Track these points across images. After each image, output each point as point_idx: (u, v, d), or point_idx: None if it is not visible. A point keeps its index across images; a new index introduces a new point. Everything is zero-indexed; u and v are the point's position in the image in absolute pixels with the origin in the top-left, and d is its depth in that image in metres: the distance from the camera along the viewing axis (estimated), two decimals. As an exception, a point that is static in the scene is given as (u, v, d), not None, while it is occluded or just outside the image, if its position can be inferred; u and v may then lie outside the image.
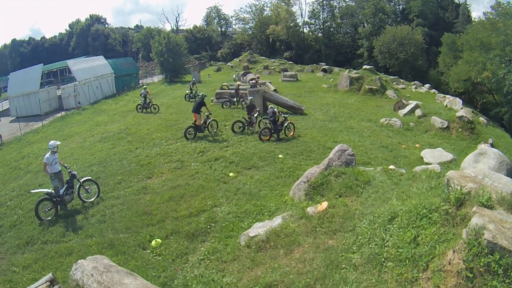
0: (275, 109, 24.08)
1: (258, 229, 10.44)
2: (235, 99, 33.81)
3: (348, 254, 7.91)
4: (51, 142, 15.79)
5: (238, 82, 37.79)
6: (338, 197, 11.06)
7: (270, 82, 44.81)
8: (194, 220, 13.16)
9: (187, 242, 11.95)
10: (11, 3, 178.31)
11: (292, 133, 24.05)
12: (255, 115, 24.91)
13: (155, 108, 34.74)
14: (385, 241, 7.52)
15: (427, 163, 18.89)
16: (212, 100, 35.09)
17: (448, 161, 19.94)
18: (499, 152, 10.91)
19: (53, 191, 15.05)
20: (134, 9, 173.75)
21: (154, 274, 10.19)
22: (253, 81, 37.76)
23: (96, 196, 16.21)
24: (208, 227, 12.68)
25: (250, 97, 26.86)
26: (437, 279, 6.02)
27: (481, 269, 5.56)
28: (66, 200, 15.35)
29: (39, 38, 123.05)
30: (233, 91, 34.98)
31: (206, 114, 24.42)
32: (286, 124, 23.85)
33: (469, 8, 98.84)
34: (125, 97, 51.43)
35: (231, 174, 17.60)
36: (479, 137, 28.71)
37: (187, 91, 40.86)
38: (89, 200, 15.99)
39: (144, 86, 38.21)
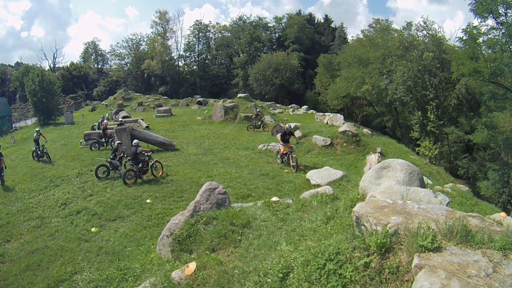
0: (139, 147, 21.77)
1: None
2: (103, 140, 31.18)
3: None
4: None
5: (105, 121, 34.71)
6: (210, 252, 8.94)
7: (142, 119, 43.88)
8: (51, 296, 11.05)
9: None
10: None
11: (160, 173, 21.96)
12: (120, 156, 22.52)
13: (48, 157, 28.98)
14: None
15: (315, 186, 17.56)
16: (81, 143, 32.65)
17: (338, 179, 18.65)
18: (406, 162, 9.13)
19: None
20: (16, 45, 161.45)
21: None
22: (120, 120, 35.77)
23: None
24: (67, 304, 10.68)
25: (117, 141, 24.23)
26: None
27: None
28: None
29: None
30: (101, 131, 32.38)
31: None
32: (151, 163, 21.72)
33: (345, 31, 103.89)
34: (-6, 143, 45.49)
35: (93, 229, 15.50)
36: (366, 148, 28.55)
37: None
38: None
39: (37, 129, 32.59)
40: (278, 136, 24.44)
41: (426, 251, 4.33)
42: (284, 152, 23.68)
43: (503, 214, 9.07)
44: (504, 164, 33.79)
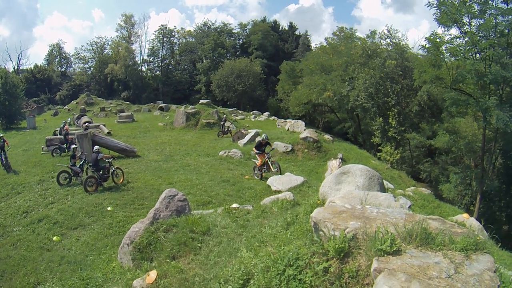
0: (100, 154, 21.35)
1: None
2: (65, 146, 30.45)
3: None
4: None
5: (66, 126, 33.99)
6: (171, 260, 8.91)
7: (104, 125, 42.36)
8: (15, 309, 11.07)
9: None
10: None
11: (121, 180, 21.55)
12: (81, 163, 22.08)
13: (8, 166, 26.74)
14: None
15: (276, 192, 17.62)
16: (42, 148, 31.68)
17: (299, 185, 18.66)
18: (366, 167, 9.36)
19: None
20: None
21: None
22: (85, 124, 35.51)
23: None
24: (32, 317, 10.65)
25: (73, 146, 24.15)
26: None
27: None
28: None
29: None
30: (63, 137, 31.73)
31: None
32: (112, 170, 21.27)
33: (309, 39, 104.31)
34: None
35: (54, 238, 15.26)
36: (327, 154, 28.93)
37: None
38: None
39: (1, 135, 30.03)
40: (254, 149, 23.22)
41: (385, 255, 4.34)
42: (262, 163, 22.46)
43: (465, 215, 9.21)
44: (466, 168, 34.50)
